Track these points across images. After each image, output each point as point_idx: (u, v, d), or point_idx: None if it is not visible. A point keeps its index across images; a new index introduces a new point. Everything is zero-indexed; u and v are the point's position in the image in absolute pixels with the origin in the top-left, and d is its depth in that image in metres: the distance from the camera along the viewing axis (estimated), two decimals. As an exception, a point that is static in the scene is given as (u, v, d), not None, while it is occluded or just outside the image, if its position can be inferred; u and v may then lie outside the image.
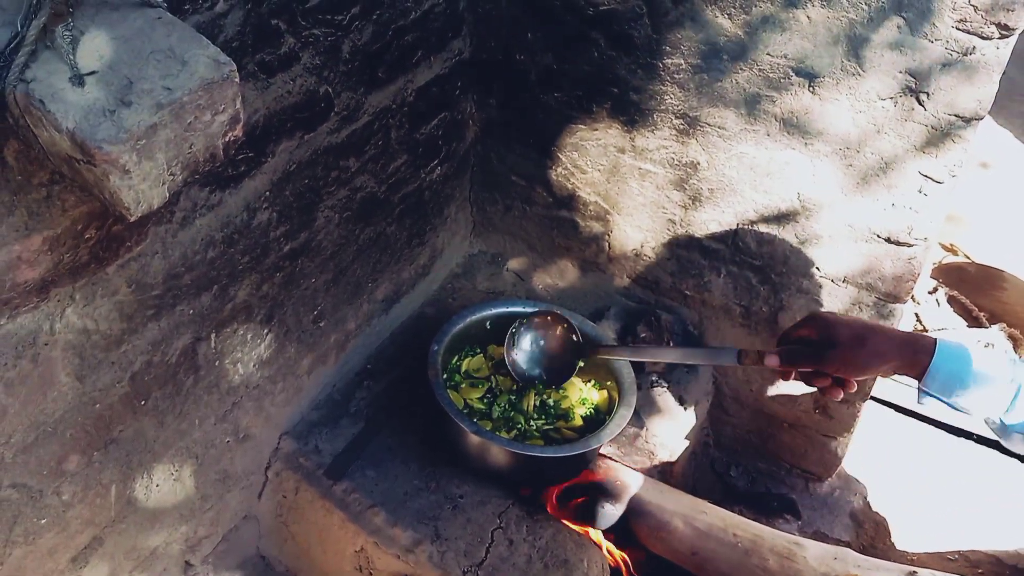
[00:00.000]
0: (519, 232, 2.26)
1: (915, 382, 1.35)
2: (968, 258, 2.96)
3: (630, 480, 1.91)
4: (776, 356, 1.42)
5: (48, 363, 1.23)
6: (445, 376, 1.88)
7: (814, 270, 1.89)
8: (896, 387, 2.51)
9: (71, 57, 0.94)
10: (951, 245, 3.00)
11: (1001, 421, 1.34)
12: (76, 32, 0.96)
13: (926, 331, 2.67)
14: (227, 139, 1.02)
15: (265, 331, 1.67)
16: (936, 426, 2.49)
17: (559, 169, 2.06)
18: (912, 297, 2.75)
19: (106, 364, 1.34)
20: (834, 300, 1.91)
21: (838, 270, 1.87)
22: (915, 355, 1.33)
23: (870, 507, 2.31)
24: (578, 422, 1.87)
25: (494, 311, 1.98)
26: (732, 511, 1.93)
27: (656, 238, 2.04)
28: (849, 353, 1.34)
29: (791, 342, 1.46)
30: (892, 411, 2.52)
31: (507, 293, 2.25)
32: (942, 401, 1.34)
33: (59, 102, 0.91)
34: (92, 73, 0.94)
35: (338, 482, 1.78)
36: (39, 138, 0.96)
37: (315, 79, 1.51)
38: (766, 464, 2.35)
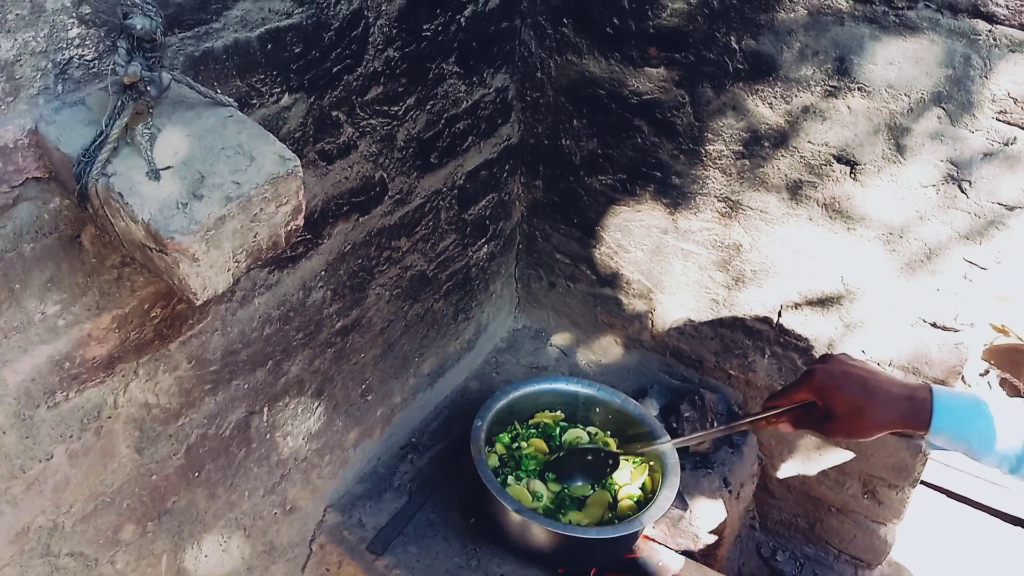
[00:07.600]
0: (563, 308, 2.30)
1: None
2: (1020, 339, 2.91)
3: (673, 563, 1.88)
4: (789, 424, 1.46)
5: (110, 435, 1.29)
6: (488, 450, 1.89)
7: (859, 353, 1.88)
8: (947, 471, 2.45)
9: (149, 153, 1.01)
10: (1003, 326, 2.96)
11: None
12: (154, 130, 1.03)
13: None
14: (289, 228, 1.08)
15: (315, 405, 1.72)
16: (990, 513, 2.42)
17: (603, 248, 2.10)
18: (963, 379, 2.70)
19: (164, 437, 1.39)
20: (880, 383, 1.89)
21: (884, 354, 1.86)
22: (915, 415, 1.32)
23: (922, 597, 2.24)
24: (629, 503, 1.85)
25: (537, 387, 2.00)
26: (778, 598, 1.89)
27: (699, 317, 2.06)
28: (847, 425, 1.37)
29: (791, 401, 1.45)
30: (944, 496, 2.46)
31: (550, 368, 2.27)
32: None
33: (136, 195, 0.98)
34: (167, 168, 1.01)
35: (380, 557, 1.79)
36: (115, 226, 1.03)
37: (371, 165, 1.59)
38: (813, 549, 2.30)
